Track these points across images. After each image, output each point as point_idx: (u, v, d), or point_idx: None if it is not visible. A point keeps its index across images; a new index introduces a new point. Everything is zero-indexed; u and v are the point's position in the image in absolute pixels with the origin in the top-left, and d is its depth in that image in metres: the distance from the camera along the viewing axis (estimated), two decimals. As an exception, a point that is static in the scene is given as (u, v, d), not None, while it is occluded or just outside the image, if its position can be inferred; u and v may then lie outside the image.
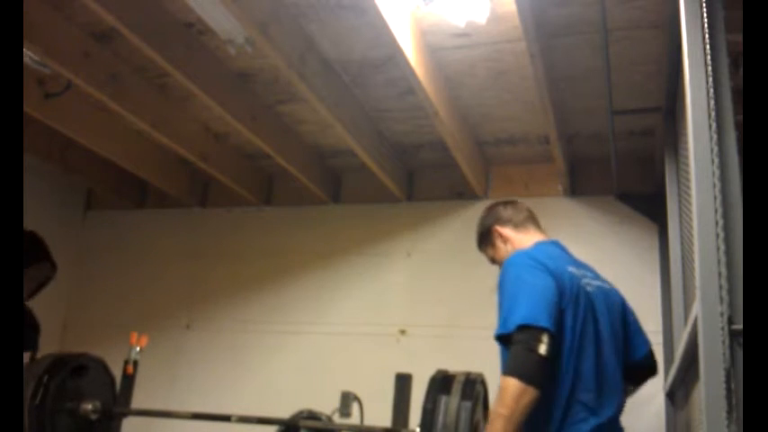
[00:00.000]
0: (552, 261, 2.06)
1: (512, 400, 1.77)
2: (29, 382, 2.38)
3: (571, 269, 2.08)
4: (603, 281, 2.23)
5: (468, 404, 2.10)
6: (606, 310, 2.10)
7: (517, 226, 2.31)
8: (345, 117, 3.00)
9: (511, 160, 3.64)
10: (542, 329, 1.83)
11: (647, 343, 2.24)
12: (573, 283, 2.03)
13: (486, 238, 2.37)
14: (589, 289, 2.08)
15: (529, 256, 2.08)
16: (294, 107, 3.26)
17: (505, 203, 2.40)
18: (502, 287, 2.02)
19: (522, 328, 1.84)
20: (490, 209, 2.41)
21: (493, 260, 2.38)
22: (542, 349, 1.80)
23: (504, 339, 1.90)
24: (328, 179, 3.91)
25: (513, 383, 1.78)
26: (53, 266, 2.99)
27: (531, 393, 1.77)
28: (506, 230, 2.29)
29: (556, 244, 2.27)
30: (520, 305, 1.90)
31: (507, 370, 1.81)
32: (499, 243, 2.31)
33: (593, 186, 3.49)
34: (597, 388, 1.95)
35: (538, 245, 2.21)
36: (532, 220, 2.36)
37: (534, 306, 1.89)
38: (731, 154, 1.43)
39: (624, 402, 2.09)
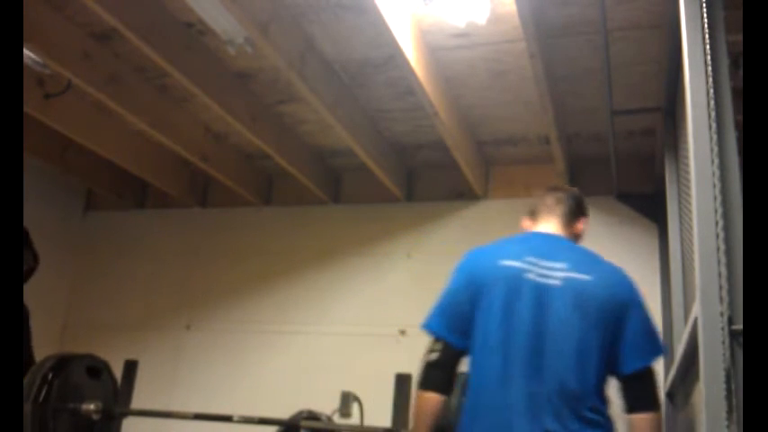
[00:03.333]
0: (479, 261, 2.07)
1: (414, 406, 1.94)
2: (31, 382, 2.38)
3: (507, 262, 1.98)
4: (594, 274, 1.98)
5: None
6: (572, 303, 1.89)
7: (533, 216, 2.22)
8: (345, 117, 3.00)
9: (511, 160, 3.64)
10: (435, 338, 1.95)
11: (641, 360, 1.88)
12: (500, 277, 1.96)
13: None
14: (541, 281, 1.93)
15: (462, 260, 2.14)
16: (294, 107, 3.26)
17: (543, 194, 2.28)
18: None
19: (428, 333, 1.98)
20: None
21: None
22: (432, 356, 1.93)
23: None
24: (328, 179, 3.91)
25: (415, 391, 1.96)
26: (35, 257, 2.85)
27: (426, 398, 1.89)
28: (526, 221, 2.23)
29: (532, 236, 2.15)
30: (431, 308, 2.03)
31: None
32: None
33: (594, 186, 3.48)
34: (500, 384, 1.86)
35: (486, 245, 2.16)
36: (548, 209, 2.19)
37: (436, 312, 2.01)
38: (731, 154, 1.43)
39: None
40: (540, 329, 1.87)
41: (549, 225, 2.15)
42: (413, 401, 1.97)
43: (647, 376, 1.88)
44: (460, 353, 1.94)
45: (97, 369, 2.62)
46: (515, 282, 1.93)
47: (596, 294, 1.93)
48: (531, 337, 1.87)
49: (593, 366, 1.85)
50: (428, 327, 1.98)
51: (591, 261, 2.06)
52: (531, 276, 1.94)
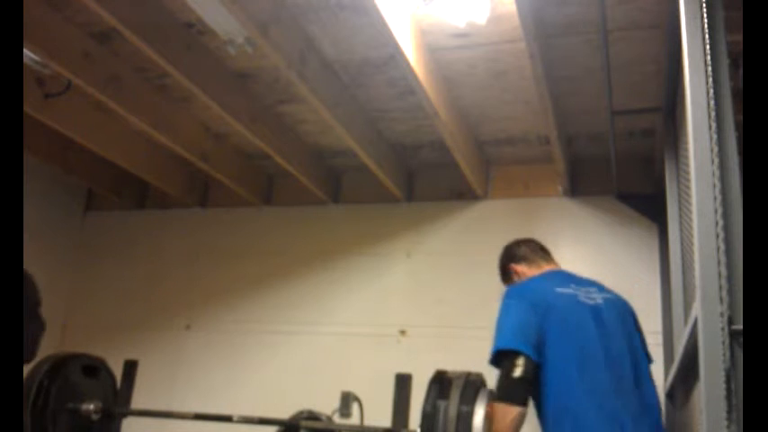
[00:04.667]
0: (537, 289, 2.36)
1: (500, 421, 2.08)
2: (31, 383, 2.38)
3: (561, 289, 2.32)
4: (611, 293, 2.44)
5: (469, 392, 2.11)
6: (618, 319, 2.32)
7: (529, 262, 2.59)
8: (345, 117, 3.00)
9: (511, 160, 3.64)
10: (517, 353, 2.13)
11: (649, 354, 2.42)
12: (562, 302, 2.27)
13: (506, 275, 2.66)
14: (591, 302, 2.31)
15: (516, 289, 2.43)
16: (294, 107, 3.26)
17: (518, 242, 2.69)
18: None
19: (501, 353, 2.16)
20: (506, 249, 2.71)
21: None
22: (517, 372, 2.11)
23: (495, 365, 2.19)
24: (328, 179, 3.91)
25: (499, 406, 2.10)
26: (42, 326, 2.46)
27: (513, 412, 2.08)
28: (521, 267, 2.59)
29: (558, 272, 2.54)
30: (499, 333, 2.22)
31: (495, 394, 2.14)
32: (515, 279, 2.59)
33: (593, 187, 3.49)
34: (613, 393, 2.13)
35: (534, 277, 2.51)
36: (543, 253, 2.64)
37: (509, 332, 2.20)
38: (731, 154, 1.43)
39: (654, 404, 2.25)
40: (609, 344, 2.21)
41: (553, 264, 2.58)
42: (500, 418, 2.08)
43: None
44: (537, 366, 2.15)
45: (94, 368, 2.61)
46: (575, 304, 2.27)
47: (623, 308, 2.39)
48: (609, 351, 2.19)
49: (646, 366, 2.31)
50: (509, 345, 2.16)
51: (601, 284, 2.48)
52: (583, 299, 2.30)
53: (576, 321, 2.23)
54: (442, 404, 2.10)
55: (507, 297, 2.34)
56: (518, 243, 2.70)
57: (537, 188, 3.61)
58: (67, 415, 2.46)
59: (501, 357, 2.16)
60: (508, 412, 2.08)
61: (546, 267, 2.56)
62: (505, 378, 2.11)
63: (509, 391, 2.10)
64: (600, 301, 2.33)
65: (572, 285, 2.35)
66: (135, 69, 3.03)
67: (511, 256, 2.66)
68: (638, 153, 3.32)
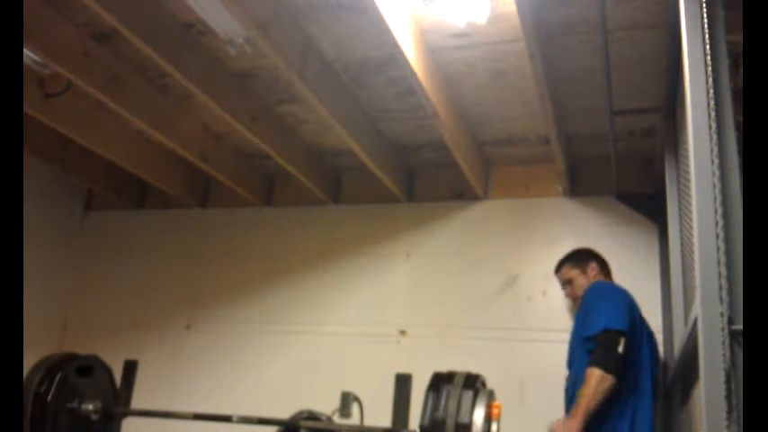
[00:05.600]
0: (630, 296, 2.74)
1: (595, 384, 2.35)
2: (31, 382, 2.38)
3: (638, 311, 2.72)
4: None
5: (469, 392, 2.10)
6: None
7: (604, 270, 3.03)
8: (345, 117, 3.00)
9: (511, 160, 3.64)
10: (620, 332, 2.42)
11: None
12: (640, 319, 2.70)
13: (580, 264, 3.00)
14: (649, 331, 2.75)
15: (613, 285, 2.85)
16: (294, 107, 3.26)
17: (604, 259, 3.06)
18: (590, 301, 2.66)
19: (605, 331, 2.43)
20: (589, 250, 3.08)
21: (570, 282, 3.00)
22: (620, 348, 2.39)
23: (591, 339, 2.47)
24: (328, 179, 3.91)
25: (597, 372, 2.37)
26: None
27: (609, 380, 2.36)
28: (595, 271, 2.99)
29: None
30: (606, 312, 2.51)
31: (593, 362, 2.39)
32: (590, 274, 2.95)
33: (593, 186, 3.49)
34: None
35: (621, 287, 2.84)
36: (610, 273, 3.06)
37: (616, 313, 2.49)
38: (731, 154, 1.43)
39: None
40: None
41: None
42: (595, 381, 2.36)
43: None
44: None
45: (88, 367, 2.60)
46: (643, 324, 2.70)
47: None
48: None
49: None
50: (617, 325, 2.46)
51: None
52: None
53: (646, 339, 2.66)
54: (439, 416, 2.08)
55: (606, 286, 2.78)
56: (604, 259, 3.04)
57: (537, 188, 3.60)
58: (67, 416, 2.46)
59: (605, 334, 2.43)
60: (605, 379, 2.35)
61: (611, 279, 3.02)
62: (611, 351, 2.38)
63: (611, 363, 2.37)
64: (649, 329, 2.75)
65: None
66: (135, 69, 3.03)
67: (597, 258, 3.01)
68: (638, 153, 3.32)
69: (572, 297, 3.02)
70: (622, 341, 2.39)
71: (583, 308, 2.71)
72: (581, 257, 3.02)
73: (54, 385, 2.40)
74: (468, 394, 2.12)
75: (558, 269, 3.10)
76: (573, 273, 3.00)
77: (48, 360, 2.51)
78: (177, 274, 4.09)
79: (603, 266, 3.01)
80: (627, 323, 2.47)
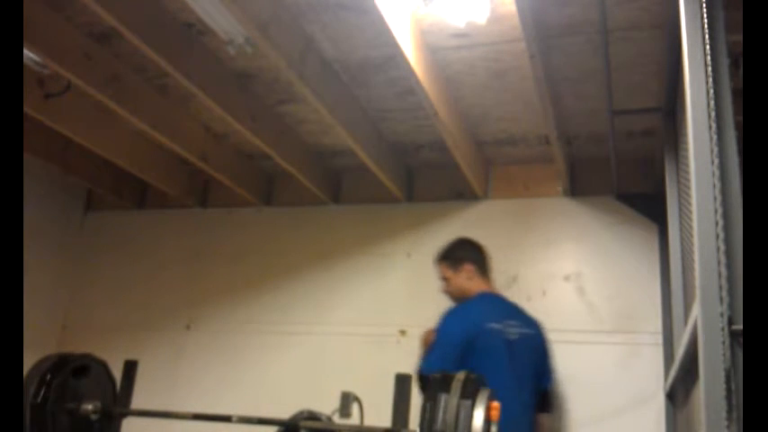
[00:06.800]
0: (478, 315, 2.71)
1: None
2: (30, 382, 2.37)
3: (493, 325, 2.66)
4: (530, 326, 2.81)
5: (467, 402, 2.08)
6: (530, 351, 2.75)
7: (482, 272, 2.91)
8: (345, 117, 3.00)
9: (511, 160, 3.64)
10: (424, 377, 2.42)
11: (549, 379, 2.87)
12: (490, 336, 2.64)
13: (454, 264, 2.91)
14: (511, 338, 2.68)
15: (459, 313, 2.75)
16: (294, 107, 3.26)
17: (479, 247, 2.96)
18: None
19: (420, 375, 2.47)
20: (469, 243, 2.98)
21: (445, 279, 2.93)
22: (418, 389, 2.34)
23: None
24: (328, 179, 3.91)
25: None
26: None
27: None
28: (473, 275, 2.89)
29: (497, 297, 2.88)
30: (425, 357, 2.62)
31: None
32: (462, 275, 2.88)
33: (593, 187, 3.49)
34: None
35: (479, 296, 2.83)
36: (489, 268, 2.95)
37: (432, 358, 2.58)
38: (731, 154, 1.43)
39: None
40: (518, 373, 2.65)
41: (490, 285, 2.91)
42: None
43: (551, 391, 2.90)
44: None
45: (96, 369, 2.60)
46: (497, 340, 2.66)
47: (538, 342, 2.85)
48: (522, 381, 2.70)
49: (534, 396, 2.82)
50: (424, 371, 2.50)
51: (526, 315, 2.86)
52: (506, 334, 2.69)
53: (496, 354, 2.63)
54: (442, 396, 2.07)
55: (449, 316, 2.74)
56: (478, 246, 2.96)
57: (537, 188, 3.60)
58: (66, 415, 2.45)
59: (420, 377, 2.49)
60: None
61: (485, 285, 2.88)
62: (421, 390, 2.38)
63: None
64: (516, 336, 2.71)
65: (499, 321, 2.69)
66: (135, 69, 3.03)
67: (474, 255, 2.93)
68: (638, 153, 3.32)
69: (447, 294, 2.97)
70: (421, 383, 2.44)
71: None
72: (456, 258, 2.93)
73: (51, 392, 2.38)
74: (467, 404, 2.09)
75: (437, 263, 3.02)
76: (448, 273, 2.94)
77: (40, 366, 2.49)
78: (177, 274, 4.09)
79: (481, 265, 2.91)
80: (438, 366, 2.48)
